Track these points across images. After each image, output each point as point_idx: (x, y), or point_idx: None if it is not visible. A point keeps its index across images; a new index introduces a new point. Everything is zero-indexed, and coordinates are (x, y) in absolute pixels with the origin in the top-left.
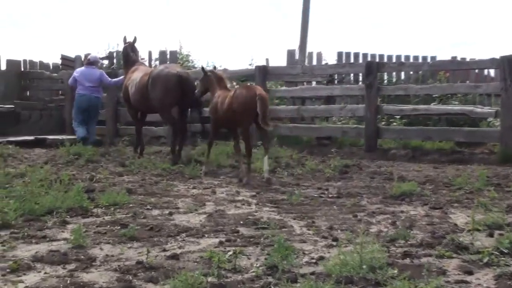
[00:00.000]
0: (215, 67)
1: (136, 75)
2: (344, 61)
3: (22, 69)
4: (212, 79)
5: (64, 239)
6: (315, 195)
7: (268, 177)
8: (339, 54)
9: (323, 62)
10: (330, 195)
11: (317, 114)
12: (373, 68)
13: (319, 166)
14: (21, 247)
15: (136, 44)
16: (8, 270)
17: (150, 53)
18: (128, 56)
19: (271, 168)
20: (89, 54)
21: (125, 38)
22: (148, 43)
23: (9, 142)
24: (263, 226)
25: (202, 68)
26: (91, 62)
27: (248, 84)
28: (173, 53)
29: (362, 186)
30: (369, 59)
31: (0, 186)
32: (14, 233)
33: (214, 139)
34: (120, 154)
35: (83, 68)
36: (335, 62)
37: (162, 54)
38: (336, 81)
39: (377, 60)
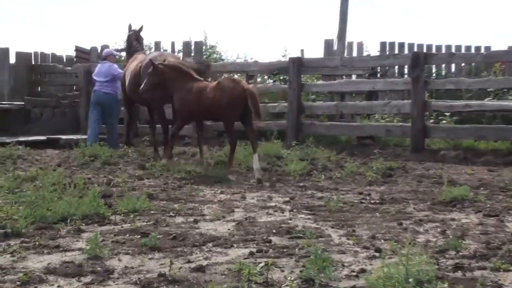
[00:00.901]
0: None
1: (133, 65)
2: (387, 52)
3: (33, 63)
4: (168, 72)
5: (79, 249)
6: (356, 201)
7: (259, 177)
8: (382, 45)
9: (365, 53)
10: (372, 201)
11: (358, 111)
12: (420, 59)
13: (360, 169)
14: (32, 257)
15: (142, 33)
16: (18, 283)
17: (173, 44)
18: (131, 45)
19: (306, 171)
20: (106, 45)
21: (130, 26)
22: (171, 33)
23: (18, 143)
24: (298, 235)
25: (150, 60)
26: (103, 58)
27: (234, 77)
28: (198, 44)
29: (408, 191)
30: (415, 49)
31: (10, 190)
32: (24, 243)
33: (178, 133)
34: (140, 156)
35: (99, 64)
36: (377, 53)
37: (186, 45)
38: (378, 74)
39: (424, 50)
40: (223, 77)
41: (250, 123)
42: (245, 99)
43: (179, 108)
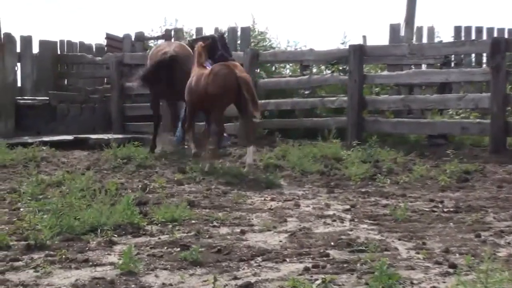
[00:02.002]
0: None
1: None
2: (463, 38)
3: (59, 52)
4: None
5: (111, 263)
6: (426, 209)
7: (248, 169)
8: (457, 29)
9: (436, 40)
10: (445, 209)
11: (428, 105)
12: (501, 46)
13: (431, 172)
14: (58, 273)
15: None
16: None
17: (216, 31)
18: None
19: (369, 174)
20: (140, 33)
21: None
22: (215, 19)
23: (43, 143)
24: (360, 248)
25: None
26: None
27: (229, 62)
28: (244, 30)
29: (487, 198)
30: (495, 35)
31: (33, 197)
32: (49, 256)
33: (192, 126)
34: (180, 158)
35: None
36: (451, 40)
37: (232, 31)
38: (452, 64)
39: (506, 36)
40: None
41: (247, 113)
42: (237, 88)
43: (185, 97)
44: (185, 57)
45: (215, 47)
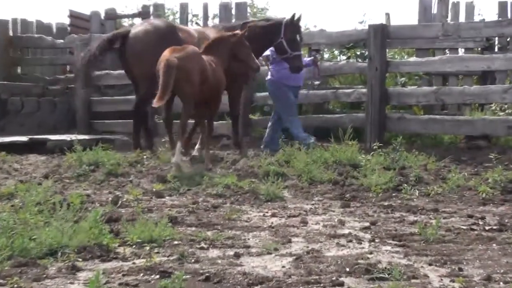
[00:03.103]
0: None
1: None
2: (509, 16)
3: (11, 33)
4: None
5: None
6: (464, 227)
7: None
8: (502, 6)
9: (477, 18)
10: (487, 227)
11: (467, 99)
12: None
13: (469, 182)
14: None
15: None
16: None
17: (205, 7)
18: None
19: (393, 184)
20: (112, 9)
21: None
22: None
23: None
24: (382, 275)
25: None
26: None
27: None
28: (240, 6)
29: None
30: None
31: None
32: None
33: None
34: (160, 163)
35: None
36: (495, 18)
37: (224, 8)
38: (496, 48)
39: None
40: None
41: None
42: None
43: None
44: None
45: (273, 33)
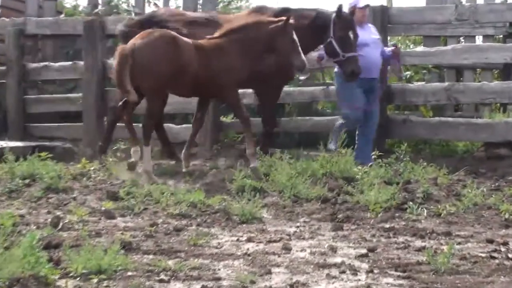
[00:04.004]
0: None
1: None
2: None
3: None
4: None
5: None
6: (482, 255)
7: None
8: None
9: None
10: (510, 255)
11: (486, 98)
12: None
13: (489, 199)
14: None
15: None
16: None
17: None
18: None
19: (396, 202)
20: None
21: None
22: None
23: None
24: None
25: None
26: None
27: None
28: None
29: None
30: None
31: None
32: None
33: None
34: (109, 176)
35: None
36: None
37: None
38: None
39: None
40: None
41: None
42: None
43: None
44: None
45: (321, 29)
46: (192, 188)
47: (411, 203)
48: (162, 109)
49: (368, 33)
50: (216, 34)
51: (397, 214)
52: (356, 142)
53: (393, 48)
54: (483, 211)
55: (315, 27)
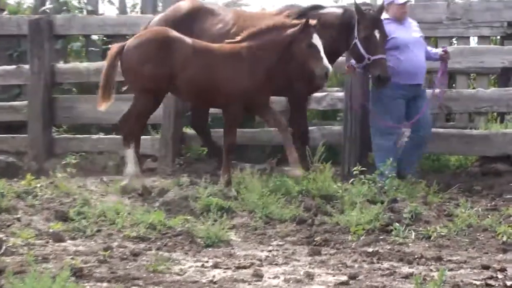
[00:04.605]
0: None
1: None
2: None
3: None
4: None
5: None
6: (477, 282)
7: (126, 185)
8: None
9: None
10: (508, 282)
11: (481, 106)
12: None
13: (484, 220)
14: None
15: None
16: None
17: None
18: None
19: (380, 223)
20: None
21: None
22: None
23: None
24: None
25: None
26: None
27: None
28: None
29: None
30: None
31: None
32: None
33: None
34: (58, 194)
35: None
36: None
37: None
38: None
39: None
40: None
41: None
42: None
43: None
44: None
45: (348, 30)
46: (151, 207)
47: (397, 224)
48: (152, 111)
49: (409, 31)
50: (237, 38)
51: (381, 237)
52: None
53: (442, 50)
54: (478, 234)
55: (342, 27)
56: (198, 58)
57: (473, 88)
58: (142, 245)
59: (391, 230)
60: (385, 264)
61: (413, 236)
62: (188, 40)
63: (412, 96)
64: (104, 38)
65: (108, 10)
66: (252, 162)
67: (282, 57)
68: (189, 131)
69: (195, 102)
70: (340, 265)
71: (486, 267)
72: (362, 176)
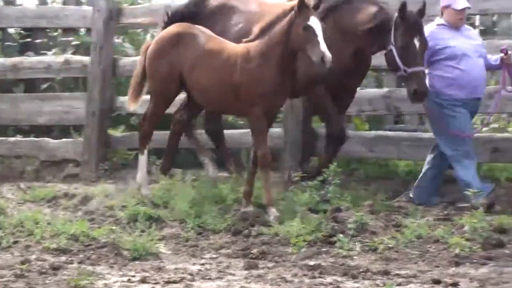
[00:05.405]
0: None
1: None
2: None
3: None
4: None
5: None
6: None
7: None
8: None
9: None
10: None
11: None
12: None
13: (436, 231)
14: None
15: None
16: None
17: None
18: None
19: (322, 234)
20: None
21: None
22: None
23: None
24: None
25: None
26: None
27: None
28: None
29: None
30: None
31: None
32: None
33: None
34: None
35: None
36: None
37: None
38: (478, 31)
39: None
40: None
41: None
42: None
43: None
44: None
45: (382, 33)
46: (73, 217)
47: (341, 235)
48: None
49: (467, 39)
50: (251, 37)
51: (324, 249)
52: (421, 178)
53: (502, 54)
54: (428, 245)
55: (374, 27)
56: (207, 58)
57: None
58: (63, 258)
59: (335, 242)
60: (328, 279)
61: (358, 248)
62: (203, 37)
63: (472, 111)
64: (22, 32)
65: (26, 1)
66: (184, 167)
67: (290, 49)
68: (114, 133)
69: (212, 108)
70: (279, 280)
71: (437, 282)
72: (303, 183)
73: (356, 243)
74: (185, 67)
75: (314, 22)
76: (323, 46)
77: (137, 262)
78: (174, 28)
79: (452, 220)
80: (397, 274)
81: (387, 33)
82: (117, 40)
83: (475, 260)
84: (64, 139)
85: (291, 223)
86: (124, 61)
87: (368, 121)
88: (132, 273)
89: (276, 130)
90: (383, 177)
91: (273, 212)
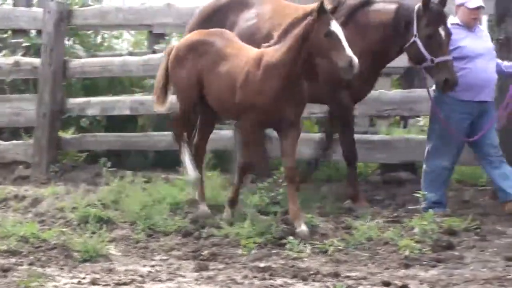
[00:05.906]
0: None
1: None
2: None
3: None
4: None
5: None
6: None
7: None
8: None
9: None
10: None
11: (383, 110)
12: None
13: (385, 233)
14: None
15: None
16: None
17: None
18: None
19: (272, 236)
20: None
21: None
22: None
23: None
24: None
25: None
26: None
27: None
28: None
29: (487, 280)
30: None
31: None
32: None
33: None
34: None
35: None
36: None
37: None
38: None
39: None
40: None
41: None
42: None
43: None
44: None
45: (401, 26)
46: (23, 218)
47: (291, 237)
48: (191, 119)
49: (480, 40)
50: (271, 42)
51: (274, 251)
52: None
53: None
54: (378, 248)
55: (396, 24)
56: (221, 63)
57: (375, 90)
58: (12, 260)
59: (285, 244)
60: (278, 281)
61: (308, 250)
62: (222, 42)
63: (477, 113)
64: None
65: None
66: (134, 169)
67: (304, 57)
68: (65, 135)
69: (219, 112)
70: (229, 282)
71: (387, 284)
72: (256, 185)
73: (306, 245)
74: (203, 75)
75: (335, 27)
76: (349, 51)
77: (87, 264)
78: (193, 35)
79: (402, 222)
80: (347, 276)
81: (409, 27)
82: (68, 42)
83: (425, 262)
84: (14, 141)
85: (241, 225)
86: (75, 62)
87: (317, 124)
88: (83, 275)
89: (225, 132)
90: (332, 179)
91: (302, 229)
